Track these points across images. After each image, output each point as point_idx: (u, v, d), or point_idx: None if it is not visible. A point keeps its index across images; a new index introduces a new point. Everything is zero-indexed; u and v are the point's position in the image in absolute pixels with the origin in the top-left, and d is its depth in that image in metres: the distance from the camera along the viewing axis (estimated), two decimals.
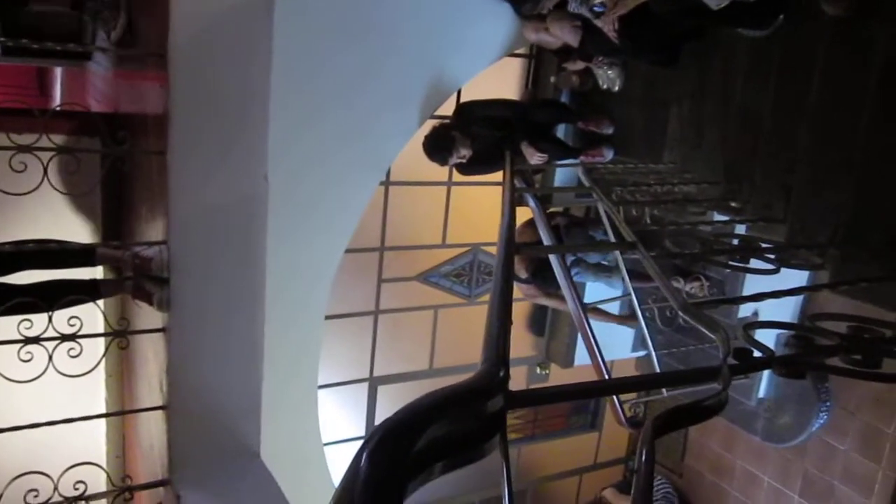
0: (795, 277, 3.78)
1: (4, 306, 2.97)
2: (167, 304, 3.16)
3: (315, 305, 4.06)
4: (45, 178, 2.81)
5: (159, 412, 3.41)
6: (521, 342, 5.84)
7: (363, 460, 0.92)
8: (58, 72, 6.16)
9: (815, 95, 2.86)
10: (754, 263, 2.38)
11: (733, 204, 3.11)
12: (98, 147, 3.45)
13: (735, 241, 2.81)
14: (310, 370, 4.16)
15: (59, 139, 3.00)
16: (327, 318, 4.28)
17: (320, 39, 3.42)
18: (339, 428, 5.27)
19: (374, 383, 5.40)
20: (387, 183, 4.81)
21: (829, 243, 2.54)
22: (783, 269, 2.42)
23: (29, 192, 2.82)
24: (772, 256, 2.33)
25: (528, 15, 4.19)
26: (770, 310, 4.40)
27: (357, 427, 5.44)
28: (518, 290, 4.81)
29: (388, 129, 4.02)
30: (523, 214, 4.50)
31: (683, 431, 5.97)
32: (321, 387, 4.43)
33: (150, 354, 3.52)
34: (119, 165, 3.11)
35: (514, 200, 2.53)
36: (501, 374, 1.14)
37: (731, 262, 2.31)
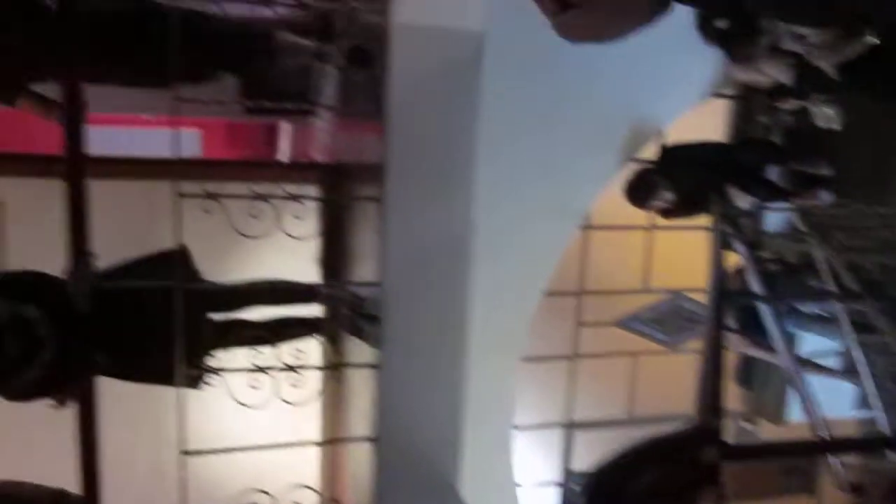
0: None
1: (239, 338, 3.31)
2: (379, 341, 3.36)
3: (514, 347, 4.13)
4: (276, 224, 3.12)
5: (367, 444, 3.61)
6: (727, 395, 5.53)
7: (583, 500, 0.95)
8: (284, 125, 6.79)
9: None
10: None
11: None
12: (321, 195, 3.78)
13: None
14: (506, 410, 4.21)
15: (289, 188, 3.31)
16: (524, 359, 4.32)
17: (524, 86, 3.54)
18: (530, 471, 5.25)
19: (570, 428, 5.34)
20: (586, 226, 4.81)
21: None
22: None
23: (262, 236, 3.14)
24: None
25: (737, 55, 4.07)
26: None
27: (550, 471, 5.39)
28: (728, 341, 4.59)
29: (588, 172, 4.04)
30: (732, 260, 4.31)
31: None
32: (516, 428, 4.46)
33: (362, 388, 3.74)
34: (339, 211, 3.39)
35: (721, 246, 2.45)
36: (715, 425, 1.12)
37: None
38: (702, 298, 4.91)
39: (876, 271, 2.91)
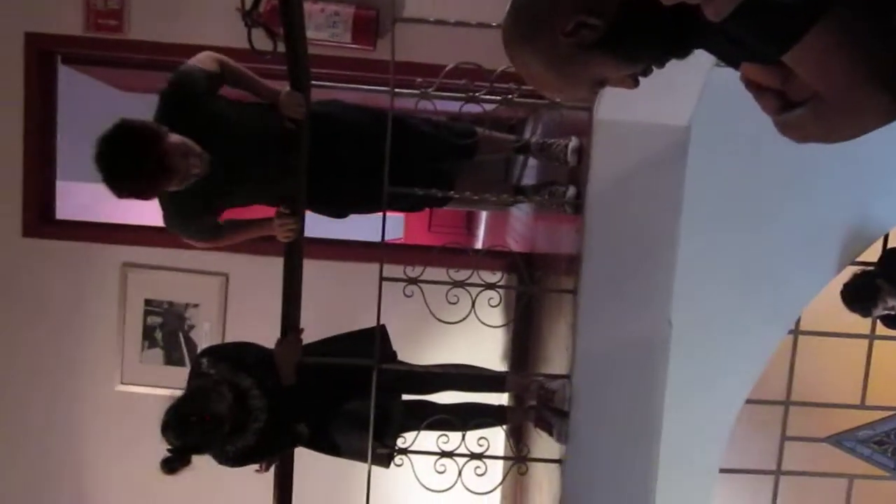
0: None
1: (428, 421, 3.36)
2: (566, 437, 3.27)
3: (710, 457, 3.86)
4: (473, 311, 3.18)
5: None
6: None
7: None
8: (482, 214, 7.01)
9: None
10: None
11: None
12: (516, 284, 3.81)
13: None
14: None
15: (484, 275, 3.38)
16: (722, 471, 4.03)
17: (732, 182, 3.41)
18: None
19: None
20: (796, 332, 4.47)
21: None
22: None
23: (459, 322, 3.21)
24: None
25: None
26: None
27: None
28: None
29: (801, 275, 3.77)
30: None
31: None
32: None
33: (545, 484, 3.65)
34: (532, 301, 3.40)
35: None
36: None
37: None
38: None
39: None
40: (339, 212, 3.61)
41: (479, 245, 6.68)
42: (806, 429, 4.81)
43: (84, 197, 5.79)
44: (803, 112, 1.06)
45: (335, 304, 4.34)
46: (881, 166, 3.80)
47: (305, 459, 3.49)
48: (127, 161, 2.69)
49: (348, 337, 3.57)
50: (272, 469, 3.35)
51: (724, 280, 3.58)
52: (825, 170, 3.69)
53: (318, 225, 3.88)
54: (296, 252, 3.21)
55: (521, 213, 4.90)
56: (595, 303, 3.20)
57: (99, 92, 5.53)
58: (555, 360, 3.68)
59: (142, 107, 5.99)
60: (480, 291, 3.25)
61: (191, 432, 2.78)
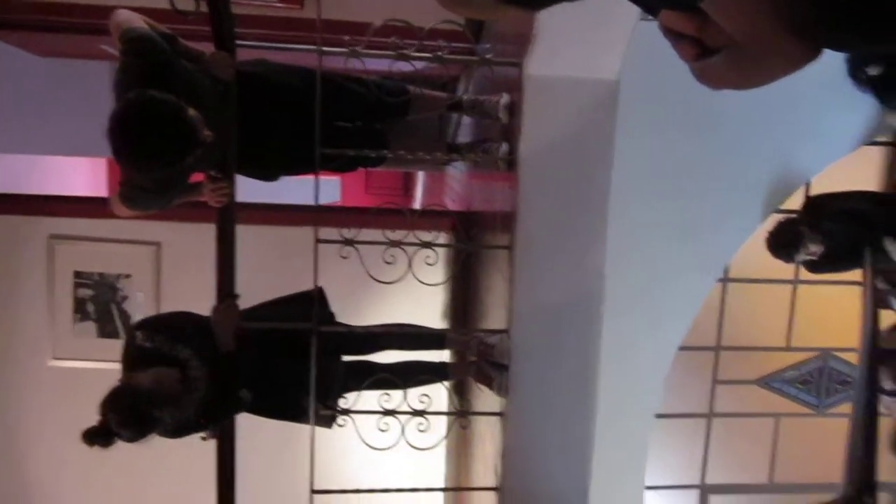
0: None
1: (370, 381, 3.37)
2: (506, 390, 3.33)
3: (646, 403, 3.99)
4: (410, 270, 3.19)
5: (491, 493, 3.57)
6: (885, 465, 5.09)
7: None
8: (420, 175, 7.00)
9: None
10: None
11: None
12: (454, 242, 3.83)
13: None
14: (637, 469, 4.06)
15: (420, 235, 3.38)
16: (658, 416, 4.17)
17: (661, 135, 3.48)
18: None
19: (705, 491, 5.08)
20: (725, 279, 4.62)
21: None
22: None
23: (396, 282, 3.22)
24: None
25: (891, 101, 3.84)
26: None
27: None
28: (884, 406, 4.25)
29: (729, 224, 3.89)
30: (888, 319, 4.01)
31: None
32: (648, 488, 4.29)
33: (488, 437, 3.72)
34: (470, 259, 3.42)
35: (875, 303, 2.29)
36: (868, 499, 1.03)
37: None
38: (852, 358, 4.60)
39: None
40: (269, 174, 3.54)
41: (417, 206, 6.68)
42: (737, 372, 5.01)
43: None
44: (719, 59, 1.07)
45: (272, 268, 4.30)
46: (806, 118, 3.92)
47: (248, 425, 3.48)
48: (160, 138, 2.53)
49: (286, 301, 3.54)
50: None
51: (656, 231, 3.67)
52: (751, 121, 3.78)
53: (254, 190, 3.81)
54: (228, 217, 3.16)
55: (457, 172, 4.91)
56: (531, 258, 3.24)
57: (12, 57, 5.28)
58: (494, 316, 3.72)
59: (60, 71, 5.79)
60: (417, 251, 3.26)
61: (130, 422, 2.71)
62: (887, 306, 3.79)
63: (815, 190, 4.29)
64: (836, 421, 4.89)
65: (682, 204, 3.67)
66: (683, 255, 3.76)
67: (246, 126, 3.06)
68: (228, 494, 3.26)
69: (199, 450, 3.37)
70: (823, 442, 4.88)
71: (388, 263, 3.20)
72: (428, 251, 3.26)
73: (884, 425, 4.91)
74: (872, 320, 2.09)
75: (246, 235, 3.34)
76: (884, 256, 3.87)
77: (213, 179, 3.06)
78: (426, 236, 3.35)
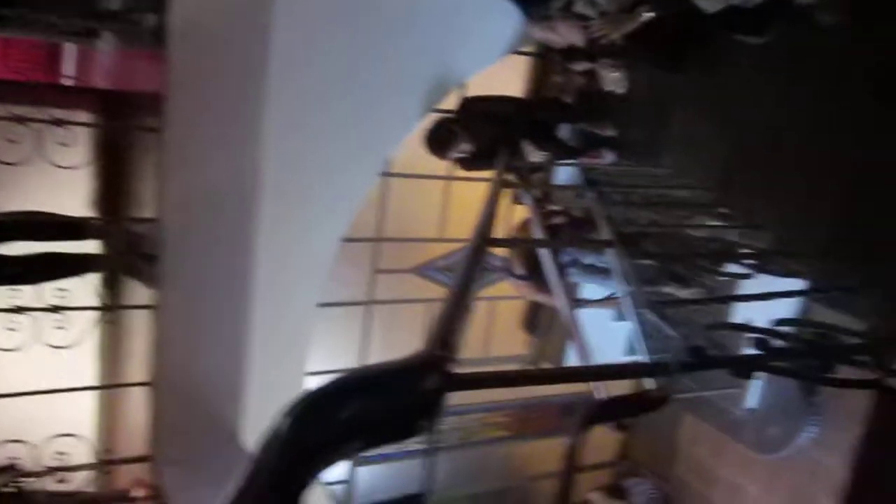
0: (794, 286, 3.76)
1: None
2: (156, 282, 3.19)
3: (308, 292, 4.07)
4: (37, 150, 2.85)
5: (145, 388, 3.44)
6: (515, 340, 5.83)
7: (286, 422, 0.94)
8: (71, 49, 6.21)
9: (807, 104, 2.85)
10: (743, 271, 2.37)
11: (723, 210, 3.11)
12: (97, 122, 3.48)
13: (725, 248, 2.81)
14: (299, 356, 4.17)
15: (60, 114, 3.03)
16: (321, 305, 4.28)
17: (321, 24, 3.43)
18: None
19: None
20: (386, 174, 4.81)
21: (810, 252, 2.53)
22: (784, 278, 2.42)
23: (17, 163, 2.86)
24: (751, 262, 2.33)
25: (534, 15, 4.18)
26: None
27: None
28: (515, 287, 4.80)
29: (389, 119, 4.02)
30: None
31: (668, 435, 5.97)
32: (311, 374, 4.44)
33: (139, 331, 3.55)
34: (115, 141, 3.15)
35: (497, 194, 2.54)
36: (440, 354, 1.15)
37: (705, 266, 2.31)
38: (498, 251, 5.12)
39: (647, 226, 3.14)
40: None
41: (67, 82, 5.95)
42: (397, 263, 5.32)
43: None
44: None
45: None
46: (460, 24, 4.13)
47: None
48: None
49: None
50: None
51: (317, 122, 3.66)
52: (408, 22, 3.89)
53: None
54: None
55: (108, 48, 4.43)
56: (183, 142, 3.07)
57: None
58: (145, 204, 3.50)
59: None
60: (51, 130, 2.92)
61: None
62: (521, 202, 4.24)
63: (470, 93, 4.58)
64: (484, 303, 5.43)
65: (343, 97, 3.70)
66: (345, 147, 3.82)
67: None
68: None
69: None
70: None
71: (12, 143, 2.82)
72: (62, 131, 2.93)
73: (516, 305, 5.62)
74: (490, 208, 2.32)
75: None
76: (520, 156, 4.30)
77: None
78: (63, 115, 3.01)
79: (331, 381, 1.00)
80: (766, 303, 2.49)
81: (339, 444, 0.98)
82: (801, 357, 1.43)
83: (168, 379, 3.36)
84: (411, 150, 4.39)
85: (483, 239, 1.86)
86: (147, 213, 3.31)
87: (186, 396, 3.40)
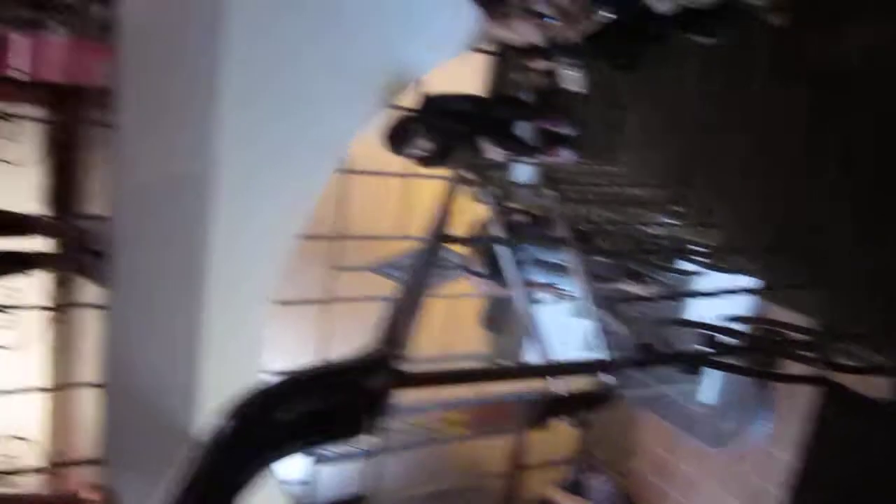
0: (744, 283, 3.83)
1: None
2: (107, 280, 3.12)
3: (262, 290, 4.02)
4: None
5: (95, 389, 3.37)
6: (474, 338, 5.84)
7: (229, 419, 0.92)
8: (20, 42, 6.05)
9: (757, 105, 2.90)
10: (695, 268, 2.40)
11: (677, 208, 3.14)
12: (46, 116, 3.40)
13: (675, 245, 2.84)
14: (253, 355, 4.12)
15: (9, 108, 2.95)
16: (277, 303, 4.24)
17: (274, 18, 3.39)
18: None
19: None
20: (344, 171, 4.78)
21: (760, 250, 2.58)
22: (735, 275, 2.45)
23: None
24: (703, 260, 2.36)
25: (492, 12, 4.19)
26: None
27: None
28: (474, 284, 4.80)
29: (344, 114, 3.98)
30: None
31: (626, 432, 6.03)
32: (268, 373, 4.38)
33: (90, 330, 3.48)
34: (65, 136, 3.07)
35: (453, 192, 2.54)
36: (387, 352, 1.14)
37: (658, 263, 2.34)
38: (456, 246, 5.12)
39: (603, 223, 3.16)
40: None
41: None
42: (356, 261, 5.28)
43: None
44: None
45: None
46: (418, 19, 4.12)
47: None
48: None
49: None
50: None
51: (270, 116, 3.61)
52: (368, 14, 3.87)
53: None
54: None
55: (59, 40, 4.33)
56: (133, 138, 3.01)
57: None
58: (96, 200, 3.43)
59: None
60: None
61: None
62: (479, 200, 4.24)
63: (428, 90, 4.56)
64: (441, 301, 5.43)
65: (298, 91, 3.66)
66: (299, 144, 3.78)
67: None
68: None
69: None
70: (430, 319, 5.42)
71: None
72: (8, 125, 2.85)
73: (474, 304, 5.62)
74: (445, 207, 2.31)
75: None
76: (479, 154, 4.30)
77: None
78: (11, 109, 2.93)
79: (275, 380, 0.99)
80: (718, 300, 2.53)
81: (281, 443, 0.96)
82: (749, 353, 1.45)
83: (119, 379, 3.30)
84: (373, 147, 4.36)
85: (437, 236, 1.85)
86: (99, 209, 3.24)
87: (138, 397, 3.34)
